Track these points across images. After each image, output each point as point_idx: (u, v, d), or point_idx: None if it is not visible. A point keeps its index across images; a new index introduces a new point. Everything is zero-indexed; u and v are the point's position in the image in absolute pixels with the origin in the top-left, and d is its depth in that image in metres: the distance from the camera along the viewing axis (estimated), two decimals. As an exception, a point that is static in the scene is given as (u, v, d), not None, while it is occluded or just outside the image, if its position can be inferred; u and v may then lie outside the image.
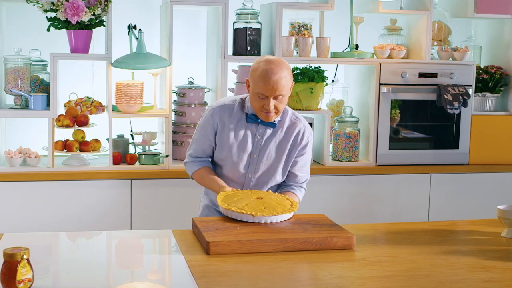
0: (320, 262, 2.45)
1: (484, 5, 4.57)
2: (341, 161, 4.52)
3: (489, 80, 4.69)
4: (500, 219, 2.86)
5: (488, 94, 4.71)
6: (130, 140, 4.41)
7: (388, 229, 2.98)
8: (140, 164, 4.24)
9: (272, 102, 2.90)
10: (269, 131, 3.05)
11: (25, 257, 2.06)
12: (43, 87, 4.25)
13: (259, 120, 3.02)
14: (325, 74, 4.44)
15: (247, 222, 2.77)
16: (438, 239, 2.82)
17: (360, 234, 2.80)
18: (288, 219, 2.84)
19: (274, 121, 3.02)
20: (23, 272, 2.05)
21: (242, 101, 3.07)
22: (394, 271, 2.37)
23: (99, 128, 4.33)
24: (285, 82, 2.89)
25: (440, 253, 2.59)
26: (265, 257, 2.49)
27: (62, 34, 4.17)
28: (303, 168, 3.13)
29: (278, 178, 3.10)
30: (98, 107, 4.28)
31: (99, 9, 3.99)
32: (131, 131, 4.48)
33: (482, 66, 4.81)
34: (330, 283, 2.23)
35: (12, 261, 2.05)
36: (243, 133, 3.04)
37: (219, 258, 2.46)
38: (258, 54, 4.33)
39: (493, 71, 4.69)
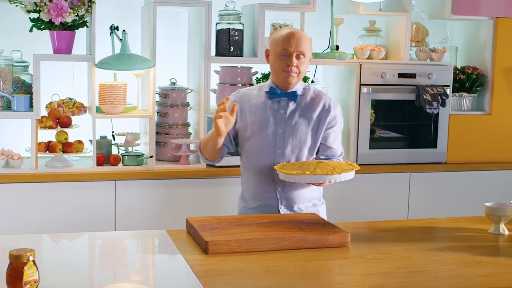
0: (318, 260, 2.49)
1: (461, 6, 4.66)
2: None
3: (466, 81, 4.79)
4: (487, 216, 2.93)
5: (465, 94, 4.81)
6: (113, 141, 4.40)
7: (377, 227, 3.03)
8: (124, 165, 4.24)
9: (295, 60, 2.99)
10: (291, 104, 3.08)
11: (31, 258, 2.06)
12: (25, 88, 4.22)
13: (279, 92, 3.06)
14: (306, 74, 4.48)
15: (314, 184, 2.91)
16: (428, 236, 2.89)
17: (351, 232, 2.83)
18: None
19: (295, 92, 3.07)
20: (29, 274, 2.06)
21: (260, 86, 3.16)
22: (391, 267, 2.42)
23: (81, 129, 4.32)
24: (307, 45, 3.03)
25: (432, 249, 2.65)
26: (263, 255, 2.52)
27: (42, 35, 4.15)
28: (335, 141, 3.13)
29: (306, 152, 3.10)
30: (80, 108, 4.27)
31: (83, 9, 3.99)
32: (113, 132, 4.47)
33: (458, 67, 4.90)
34: (332, 280, 2.28)
35: (18, 262, 2.05)
36: (265, 110, 3.09)
37: (218, 257, 2.48)
38: (241, 55, 4.36)
39: (469, 71, 4.79)
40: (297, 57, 3.01)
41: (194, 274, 2.28)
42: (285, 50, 3.00)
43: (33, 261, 2.07)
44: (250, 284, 2.23)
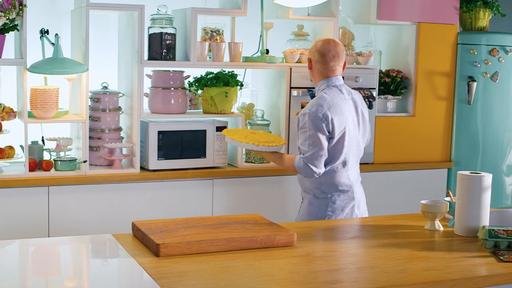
0: (268, 259, 2.55)
1: (386, 12, 4.82)
2: (253, 163, 4.64)
3: (390, 83, 4.96)
4: (423, 213, 3.05)
5: (390, 96, 4.97)
6: (44, 147, 4.33)
7: (318, 226, 3.11)
8: (56, 170, 4.19)
9: None
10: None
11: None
12: (-48, 93, 4.12)
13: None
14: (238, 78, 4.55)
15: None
16: (369, 233, 2.99)
17: (295, 231, 2.91)
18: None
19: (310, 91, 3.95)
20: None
21: None
22: (341, 264, 2.50)
23: (11, 134, 4.23)
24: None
25: (376, 246, 2.75)
26: (214, 256, 2.56)
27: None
28: (299, 139, 3.51)
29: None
30: (10, 113, 4.18)
31: (14, 13, 3.91)
32: (42, 137, 4.40)
33: (383, 70, 5.06)
34: (286, 278, 2.33)
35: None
36: None
37: (170, 260, 2.51)
38: (173, 59, 4.37)
39: (394, 74, 4.95)
40: None
41: (151, 277, 2.30)
42: None
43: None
44: (208, 284, 2.27)
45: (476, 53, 5.01)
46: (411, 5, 4.90)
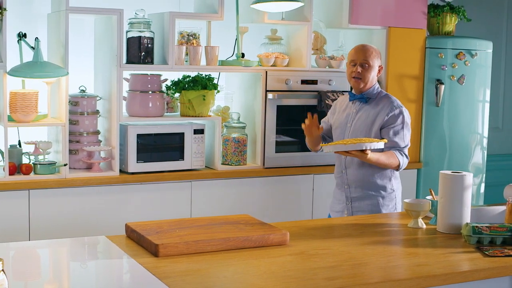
0: (265, 258, 2.62)
1: (357, 16, 4.94)
2: (230, 165, 4.70)
3: (362, 86, 5.07)
4: (407, 211, 3.16)
5: (361, 99, 5.09)
6: (23, 150, 4.32)
7: (305, 226, 3.19)
8: (36, 174, 4.19)
9: (359, 68, 3.69)
10: (360, 104, 3.76)
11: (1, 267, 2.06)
12: None
13: (353, 95, 3.77)
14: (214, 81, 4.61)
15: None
16: (356, 232, 3.08)
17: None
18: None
19: (363, 95, 3.73)
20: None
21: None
22: (336, 261, 2.59)
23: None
24: (372, 55, 3.72)
25: (365, 244, 2.85)
26: (211, 256, 2.62)
27: None
28: (397, 135, 3.64)
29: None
30: (-12, 117, 4.18)
31: (-6, 17, 3.92)
32: (19, 141, 4.40)
33: (354, 73, 5.18)
34: (287, 275, 2.41)
35: (-11, 271, 2.05)
36: (344, 109, 3.83)
37: (170, 260, 2.56)
38: (152, 62, 4.41)
39: (365, 77, 5.07)
40: (362, 66, 3.69)
41: (155, 277, 2.35)
42: (352, 61, 3.73)
43: (3, 270, 2.07)
44: (212, 282, 2.33)
45: (443, 56, 5.17)
46: (381, 10, 5.02)
